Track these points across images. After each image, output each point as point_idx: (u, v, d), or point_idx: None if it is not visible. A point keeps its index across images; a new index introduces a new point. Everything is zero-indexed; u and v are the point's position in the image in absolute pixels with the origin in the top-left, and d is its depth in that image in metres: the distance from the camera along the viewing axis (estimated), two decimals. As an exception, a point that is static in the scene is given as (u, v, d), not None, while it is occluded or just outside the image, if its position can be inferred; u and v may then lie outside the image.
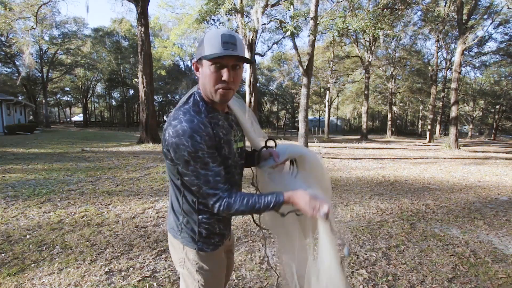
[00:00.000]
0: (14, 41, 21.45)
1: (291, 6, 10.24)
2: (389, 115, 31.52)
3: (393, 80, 30.55)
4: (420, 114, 40.24)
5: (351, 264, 2.50)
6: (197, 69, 0.98)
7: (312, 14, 9.35)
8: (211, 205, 0.93)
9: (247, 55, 16.62)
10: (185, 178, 0.94)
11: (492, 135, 34.18)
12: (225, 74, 0.90)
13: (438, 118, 30.63)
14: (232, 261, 1.32)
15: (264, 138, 1.21)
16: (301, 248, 1.06)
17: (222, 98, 0.94)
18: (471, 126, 38.60)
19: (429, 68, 26.34)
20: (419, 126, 41.90)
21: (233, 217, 1.00)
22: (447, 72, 27.21)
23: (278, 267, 1.16)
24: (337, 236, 1.02)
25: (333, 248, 0.90)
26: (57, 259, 2.46)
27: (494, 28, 22.51)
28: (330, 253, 0.90)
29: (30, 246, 2.69)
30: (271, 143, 1.17)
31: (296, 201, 0.91)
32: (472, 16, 16.47)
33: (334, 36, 9.62)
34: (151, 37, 18.66)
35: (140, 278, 2.20)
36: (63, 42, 30.11)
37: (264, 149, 1.15)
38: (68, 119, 54.45)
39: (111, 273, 2.26)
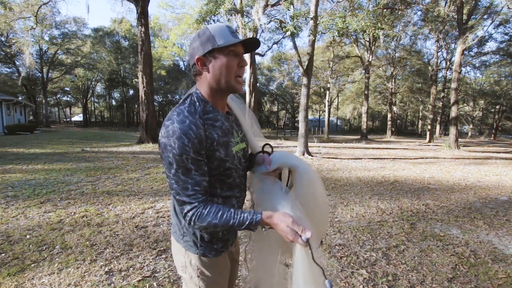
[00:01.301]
0: (14, 41, 21.43)
1: (291, 6, 10.25)
2: (389, 115, 31.51)
3: (393, 80, 30.54)
4: (420, 114, 40.25)
5: (351, 264, 2.50)
6: (204, 64, 0.93)
7: (312, 14, 9.35)
8: (184, 214, 0.89)
9: (246, 55, 16.62)
10: (167, 180, 0.91)
11: (492, 135, 34.17)
12: (243, 61, 0.94)
13: (438, 118, 30.65)
14: (236, 270, 1.26)
15: (262, 141, 1.15)
16: (281, 273, 0.94)
17: (239, 86, 0.96)
18: (471, 126, 38.59)
19: (429, 68, 26.33)
20: (419, 126, 41.90)
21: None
22: (447, 72, 27.22)
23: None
24: (320, 267, 0.82)
25: (313, 279, 0.81)
26: (57, 259, 2.47)
27: (494, 28, 22.54)
28: (309, 285, 0.81)
29: (30, 246, 2.69)
30: (268, 149, 1.11)
31: (275, 223, 0.84)
32: (472, 16, 16.47)
33: (334, 36, 9.61)
34: (151, 37, 18.65)
35: (140, 278, 2.20)
36: (63, 42, 30.10)
37: (261, 153, 1.09)
38: (68, 119, 54.45)
39: (111, 273, 2.26)
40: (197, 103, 0.94)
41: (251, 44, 0.96)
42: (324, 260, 0.80)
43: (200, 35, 0.93)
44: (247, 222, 0.86)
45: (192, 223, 0.89)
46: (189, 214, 0.88)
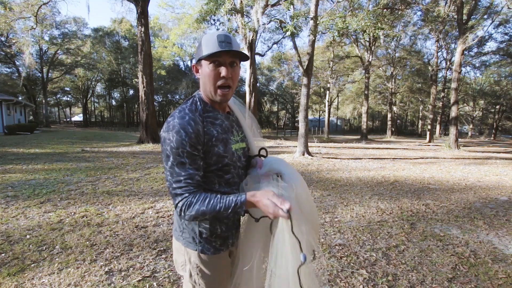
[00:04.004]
0: (14, 41, 21.47)
1: (291, 6, 10.24)
2: (389, 115, 31.52)
3: (393, 80, 30.54)
4: (420, 114, 40.23)
5: (351, 264, 2.50)
6: (197, 71, 1.02)
7: (312, 14, 9.34)
8: (175, 205, 0.93)
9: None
10: (164, 171, 0.96)
11: (492, 135, 34.17)
12: (223, 71, 0.93)
13: (438, 118, 30.62)
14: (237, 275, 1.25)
15: (261, 141, 1.20)
16: (259, 268, 0.97)
17: (222, 98, 0.98)
18: (471, 126, 38.59)
19: (429, 68, 26.33)
20: (419, 126, 41.88)
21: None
22: (447, 72, 27.20)
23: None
24: (297, 240, 0.82)
25: (292, 251, 0.82)
26: (57, 259, 2.46)
27: (494, 28, 22.54)
28: (287, 257, 0.83)
29: (30, 246, 2.69)
30: (263, 152, 1.16)
31: (257, 200, 0.86)
32: (472, 16, 16.47)
33: (334, 36, 9.61)
34: (151, 37, 18.68)
35: (140, 278, 2.20)
36: (63, 42, 30.09)
37: (257, 156, 1.14)
38: (68, 119, 54.44)
39: (111, 273, 2.26)
40: (198, 103, 1.01)
41: (242, 53, 0.96)
42: (304, 234, 0.78)
43: (198, 43, 0.99)
44: (232, 205, 0.88)
45: (182, 213, 0.91)
46: (180, 204, 0.91)
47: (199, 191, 0.93)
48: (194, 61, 1.01)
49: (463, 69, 26.62)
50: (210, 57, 0.92)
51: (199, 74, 1.00)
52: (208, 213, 0.89)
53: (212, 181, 1.00)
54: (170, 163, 0.91)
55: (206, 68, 0.95)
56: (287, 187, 0.93)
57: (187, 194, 0.91)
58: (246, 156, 1.12)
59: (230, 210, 0.88)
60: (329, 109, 30.29)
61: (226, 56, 0.93)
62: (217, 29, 12.55)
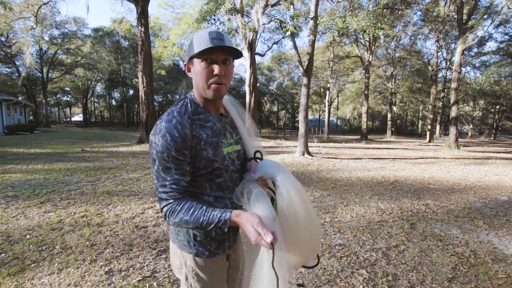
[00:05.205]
0: (14, 41, 21.48)
1: (291, 6, 10.24)
2: (389, 115, 31.54)
3: (393, 80, 30.55)
4: (420, 114, 40.24)
5: (351, 264, 2.50)
6: (189, 70, 0.98)
7: (312, 14, 9.34)
8: (161, 209, 0.91)
9: (246, 55, 16.61)
10: (151, 174, 0.95)
11: (492, 135, 34.17)
12: (216, 68, 0.90)
13: (438, 118, 30.63)
14: (239, 281, 1.17)
15: (257, 147, 1.12)
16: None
17: (215, 93, 0.93)
18: (471, 126, 38.59)
19: (429, 68, 26.33)
20: (419, 126, 41.89)
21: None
22: (447, 72, 27.21)
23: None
24: (276, 275, 0.79)
25: (268, 284, 0.79)
26: (57, 259, 2.47)
27: (494, 28, 22.55)
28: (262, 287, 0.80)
29: (30, 246, 2.69)
30: (259, 155, 1.09)
31: (242, 222, 0.82)
32: (472, 16, 16.46)
33: (334, 36, 9.62)
34: (151, 37, 18.67)
35: (140, 278, 2.20)
36: (63, 42, 30.10)
37: (252, 160, 1.08)
38: (68, 119, 54.45)
39: (111, 273, 2.26)
40: (189, 105, 0.97)
41: (235, 50, 0.93)
42: (285, 268, 0.75)
43: (189, 42, 0.96)
44: (216, 221, 0.85)
45: (167, 218, 0.91)
46: (164, 209, 0.90)
47: (185, 197, 0.91)
48: (186, 60, 0.98)
49: (463, 69, 26.65)
50: (202, 55, 0.89)
51: (191, 73, 0.96)
52: (191, 223, 0.87)
53: (203, 185, 0.97)
54: (156, 167, 0.90)
55: (198, 66, 0.92)
56: (272, 214, 0.88)
57: (172, 200, 0.89)
58: (241, 159, 1.08)
59: (212, 226, 0.85)
60: (329, 109, 30.32)
61: (219, 53, 0.90)
62: (218, 29, 12.54)
